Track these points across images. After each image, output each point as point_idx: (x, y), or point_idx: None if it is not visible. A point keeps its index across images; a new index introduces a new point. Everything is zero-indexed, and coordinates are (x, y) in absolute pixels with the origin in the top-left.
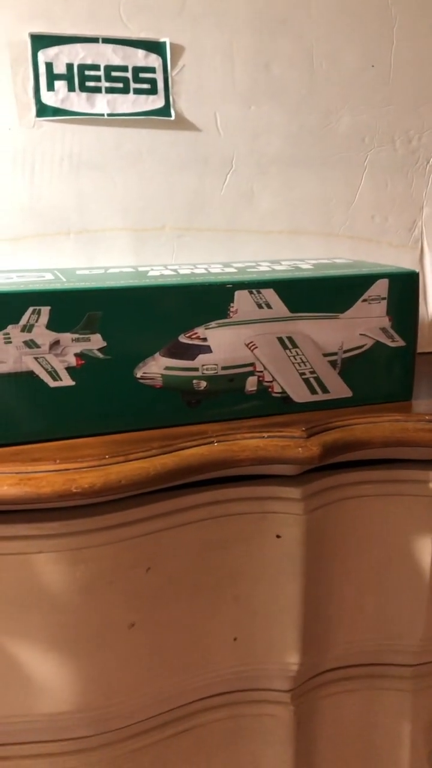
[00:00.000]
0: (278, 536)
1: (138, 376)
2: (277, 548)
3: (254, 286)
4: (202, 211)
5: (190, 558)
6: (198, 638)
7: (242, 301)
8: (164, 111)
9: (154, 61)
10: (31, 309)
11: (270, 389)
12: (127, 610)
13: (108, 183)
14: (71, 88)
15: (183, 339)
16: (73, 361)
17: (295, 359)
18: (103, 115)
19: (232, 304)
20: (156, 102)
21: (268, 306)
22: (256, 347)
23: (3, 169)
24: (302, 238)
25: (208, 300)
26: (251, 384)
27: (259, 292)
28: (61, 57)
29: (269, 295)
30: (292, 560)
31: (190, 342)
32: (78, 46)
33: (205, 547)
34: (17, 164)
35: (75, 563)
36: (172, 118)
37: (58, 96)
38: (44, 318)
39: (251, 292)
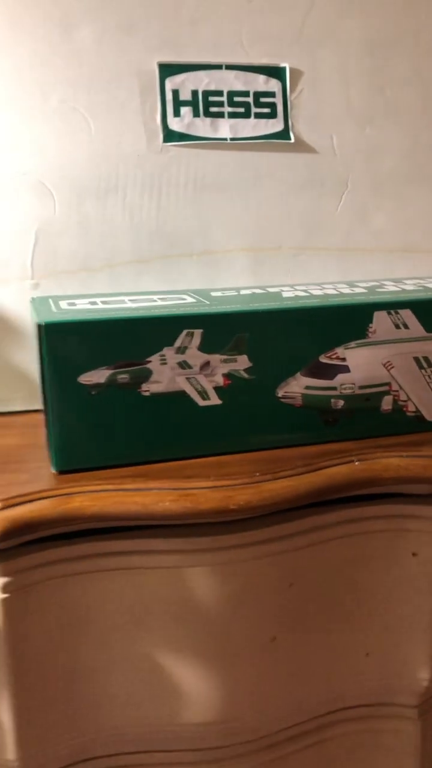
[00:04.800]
0: (414, 554)
1: (279, 395)
2: (412, 566)
3: (392, 306)
4: (318, 230)
5: (328, 574)
6: (331, 653)
7: (380, 322)
8: (284, 134)
9: (274, 85)
10: (185, 332)
11: (404, 408)
12: (270, 624)
13: (229, 205)
14: (196, 114)
15: (323, 359)
16: (220, 381)
17: (430, 378)
18: (226, 139)
19: (371, 325)
20: (276, 126)
21: (405, 326)
22: (393, 367)
23: (133, 193)
24: (415, 256)
25: (349, 320)
26: (387, 403)
27: (397, 313)
28: (186, 84)
29: (407, 315)
30: (428, 578)
31: (330, 362)
32: (202, 73)
33: (343, 563)
34: (146, 189)
35: (226, 577)
36: (292, 141)
37: (183, 122)
38: (197, 340)
39: (389, 313)
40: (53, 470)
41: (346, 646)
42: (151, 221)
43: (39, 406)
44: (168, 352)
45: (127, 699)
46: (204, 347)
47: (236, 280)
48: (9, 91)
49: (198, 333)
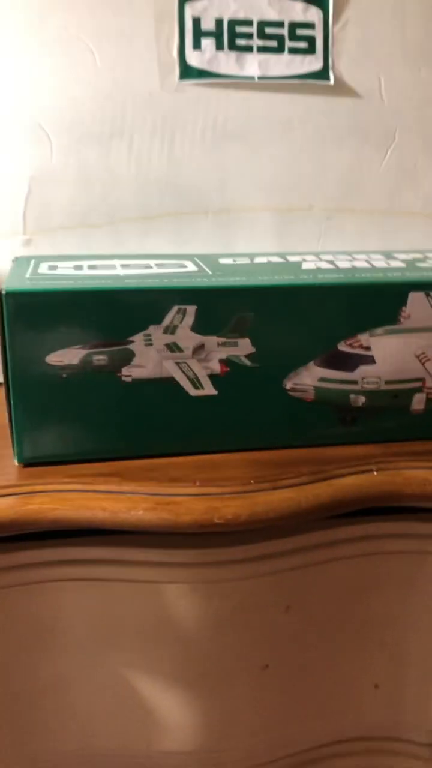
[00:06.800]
0: None
1: (287, 387)
2: None
3: None
4: (357, 189)
5: (335, 598)
6: (335, 683)
7: (416, 305)
8: (322, 74)
9: (314, 15)
10: (175, 308)
11: None
12: (261, 651)
13: (253, 157)
14: (219, 47)
15: (342, 347)
16: (217, 367)
17: None
18: (253, 78)
19: (404, 308)
20: (313, 63)
21: None
22: (429, 359)
23: (141, 139)
24: None
25: (376, 303)
26: (418, 402)
27: None
28: (210, 11)
29: None
30: None
31: (351, 351)
32: None
33: (352, 587)
34: (156, 134)
35: (209, 597)
36: (331, 82)
37: (204, 56)
38: (189, 319)
39: (428, 295)
40: (16, 462)
41: (352, 676)
42: (161, 172)
43: None
44: (154, 331)
45: (94, 722)
46: (198, 327)
47: (258, 244)
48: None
49: (191, 310)
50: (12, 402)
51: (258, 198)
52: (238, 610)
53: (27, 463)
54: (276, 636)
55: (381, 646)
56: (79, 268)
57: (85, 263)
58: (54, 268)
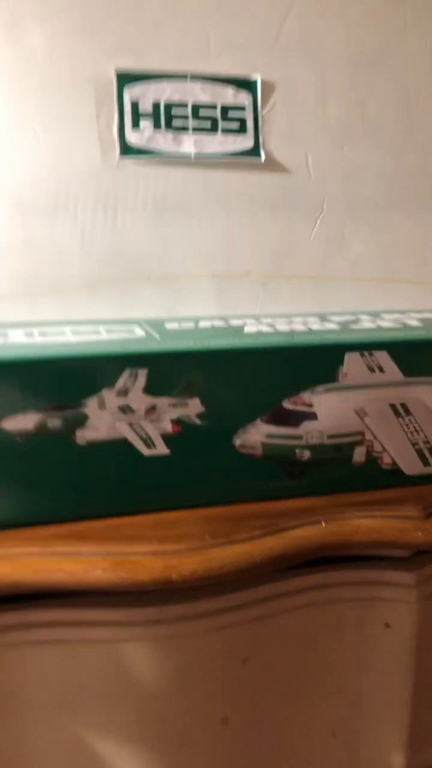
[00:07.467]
0: (387, 625)
1: (237, 444)
2: (385, 638)
3: (366, 347)
4: (290, 257)
5: (289, 647)
6: (293, 733)
7: (353, 364)
8: (254, 152)
9: (244, 99)
10: (127, 372)
11: (379, 460)
12: (220, 705)
13: (192, 227)
14: (157, 127)
15: (287, 405)
16: (168, 427)
17: (408, 428)
18: (190, 155)
19: (341, 367)
20: (245, 142)
21: (381, 369)
22: (366, 414)
23: (84, 211)
24: (396, 287)
25: (317, 362)
26: (359, 454)
27: (371, 355)
28: (147, 95)
29: (382, 357)
30: (403, 652)
31: (295, 408)
32: (165, 83)
33: (306, 635)
34: (99, 207)
35: (169, 653)
36: (262, 159)
37: (143, 135)
38: (141, 381)
39: (363, 354)
40: None
41: (310, 725)
42: (104, 243)
43: None
44: (107, 394)
45: None
46: (150, 389)
47: (199, 310)
48: None
49: (142, 373)
50: None
51: (197, 266)
52: (197, 665)
53: None
54: (234, 689)
55: (337, 693)
56: (30, 335)
57: (36, 330)
58: (5, 335)
